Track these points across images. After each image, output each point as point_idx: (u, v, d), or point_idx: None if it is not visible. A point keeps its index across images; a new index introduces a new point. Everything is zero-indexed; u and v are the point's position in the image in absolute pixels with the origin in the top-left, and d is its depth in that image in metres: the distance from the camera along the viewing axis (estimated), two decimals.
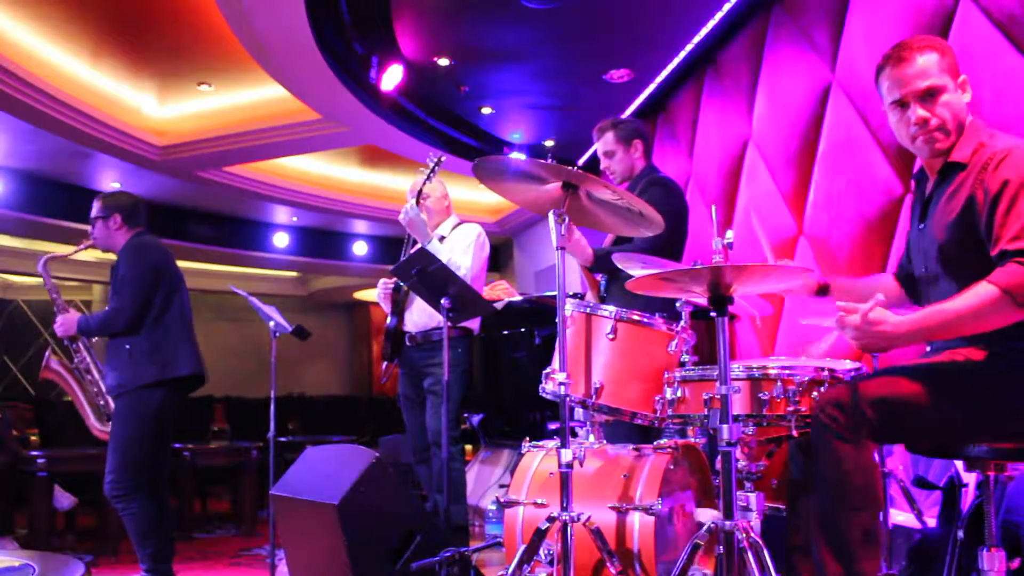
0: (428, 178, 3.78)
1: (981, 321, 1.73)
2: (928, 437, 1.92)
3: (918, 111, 1.91)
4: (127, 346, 3.37)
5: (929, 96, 1.90)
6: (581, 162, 7.16)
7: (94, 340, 3.66)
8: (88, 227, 3.60)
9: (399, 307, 3.92)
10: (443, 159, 3.79)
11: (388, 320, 3.94)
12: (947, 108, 1.90)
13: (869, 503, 1.80)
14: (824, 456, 1.81)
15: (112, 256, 3.58)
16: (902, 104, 1.93)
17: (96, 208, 3.56)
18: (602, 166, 3.38)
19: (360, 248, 10.42)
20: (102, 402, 3.51)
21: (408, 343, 3.90)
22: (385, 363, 4.00)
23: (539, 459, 2.55)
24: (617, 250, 2.81)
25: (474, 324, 3.87)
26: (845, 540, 1.77)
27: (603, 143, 3.33)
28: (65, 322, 3.50)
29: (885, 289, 2.15)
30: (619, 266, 2.61)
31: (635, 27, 5.09)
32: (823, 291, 2.22)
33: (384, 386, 10.53)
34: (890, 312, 1.78)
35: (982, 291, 1.71)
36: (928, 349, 2.02)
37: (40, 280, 3.64)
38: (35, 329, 11.25)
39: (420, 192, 3.82)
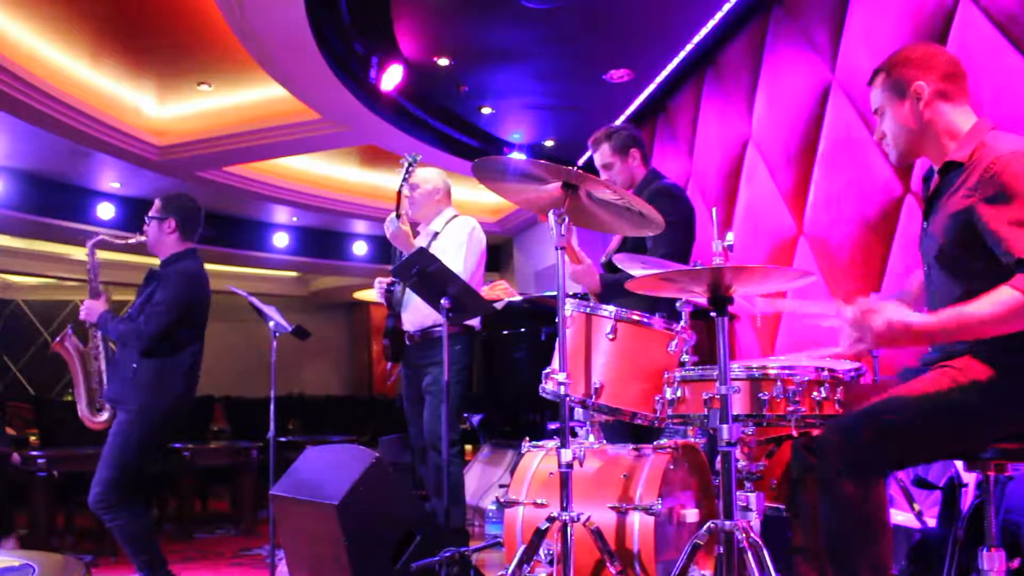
0: (404, 180, 3.73)
1: (1003, 325, 1.75)
2: (936, 458, 1.94)
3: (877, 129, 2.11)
4: (133, 365, 3.32)
5: (880, 116, 2.07)
6: (581, 162, 7.16)
7: None
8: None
9: (395, 308, 3.92)
10: (419, 157, 3.69)
11: (388, 320, 3.94)
12: (891, 123, 2.04)
13: (878, 537, 1.80)
14: (833, 493, 1.81)
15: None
16: None
17: (155, 207, 3.49)
18: (602, 178, 3.29)
19: (360, 248, 10.42)
20: (99, 394, 3.49)
21: (408, 342, 3.90)
22: (389, 364, 4.00)
23: (539, 459, 2.55)
24: (621, 278, 2.67)
25: (475, 321, 3.85)
26: (855, 573, 1.78)
27: (600, 155, 3.22)
28: (90, 309, 3.44)
29: (911, 291, 2.24)
30: (621, 266, 2.60)
31: (635, 27, 5.09)
32: None
33: (386, 386, 10.53)
34: (906, 310, 1.80)
35: (1005, 297, 1.73)
36: (929, 350, 2.02)
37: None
38: (35, 329, 11.23)
39: (399, 192, 3.76)
